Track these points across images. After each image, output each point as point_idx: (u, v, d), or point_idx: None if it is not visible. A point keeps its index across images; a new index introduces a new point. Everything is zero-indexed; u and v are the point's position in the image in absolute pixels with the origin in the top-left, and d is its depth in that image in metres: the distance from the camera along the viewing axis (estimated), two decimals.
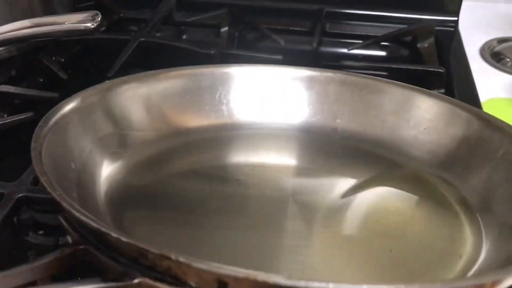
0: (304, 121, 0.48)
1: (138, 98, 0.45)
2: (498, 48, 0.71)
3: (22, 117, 0.50)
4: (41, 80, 0.61)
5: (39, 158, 0.33)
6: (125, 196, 0.39)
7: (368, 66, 0.58)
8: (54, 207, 0.43)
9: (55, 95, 0.53)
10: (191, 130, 0.47)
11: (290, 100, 0.49)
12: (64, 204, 0.29)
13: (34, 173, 0.44)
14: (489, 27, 0.76)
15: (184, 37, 0.73)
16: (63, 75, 0.57)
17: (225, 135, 0.48)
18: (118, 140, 0.43)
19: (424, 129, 0.45)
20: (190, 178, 0.43)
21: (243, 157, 0.47)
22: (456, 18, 0.71)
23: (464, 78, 0.62)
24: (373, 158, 0.45)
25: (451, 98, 0.47)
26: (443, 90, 0.58)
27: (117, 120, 0.44)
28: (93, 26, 0.39)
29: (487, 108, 0.54)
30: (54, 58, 0.63)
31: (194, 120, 0.48)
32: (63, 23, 0.40)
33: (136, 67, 0.63)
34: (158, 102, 0.46)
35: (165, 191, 0.41)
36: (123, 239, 0.26)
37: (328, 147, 0.47)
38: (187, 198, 0.40)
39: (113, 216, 0.37)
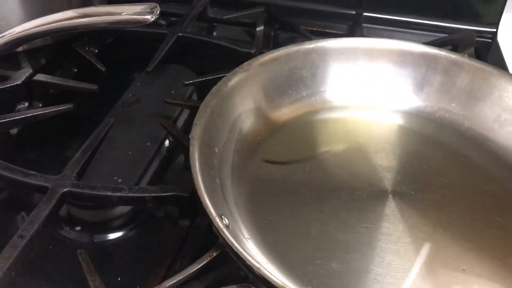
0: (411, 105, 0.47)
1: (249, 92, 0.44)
2: None
3: (62, 108, 0.49)
4: (75, 70, 0.60)
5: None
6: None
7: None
8: (95, 203, 0.43)
9: (94, 87, 0.52)
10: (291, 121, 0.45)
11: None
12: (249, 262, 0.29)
13: (77, 167, 0.42)
14: None
15: (214, 34, 0.72)
16: (101, 67, 0.55)
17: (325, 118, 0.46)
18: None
19: None
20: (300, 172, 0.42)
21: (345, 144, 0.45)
22: (495, 30, 0.70)
23: None
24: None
25: None
26: None
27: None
28: (152, 19, 0.38)
29: None
30: (88, 49, 0.62)
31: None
32: (120, 13, 0.38)
33: (173, 63, 0.62)
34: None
35: (286, 197, 0.40)
36: None
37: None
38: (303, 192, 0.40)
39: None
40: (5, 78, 0.51)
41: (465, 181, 0.42)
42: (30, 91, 0.52)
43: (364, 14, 0.69)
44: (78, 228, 0.45)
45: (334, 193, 0.40)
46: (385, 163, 0.42)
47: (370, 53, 0.46)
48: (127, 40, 0.66)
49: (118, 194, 0.40)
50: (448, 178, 0.42)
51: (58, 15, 0.42)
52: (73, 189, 0.40)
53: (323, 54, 0.46)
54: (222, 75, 0.55)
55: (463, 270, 0.34)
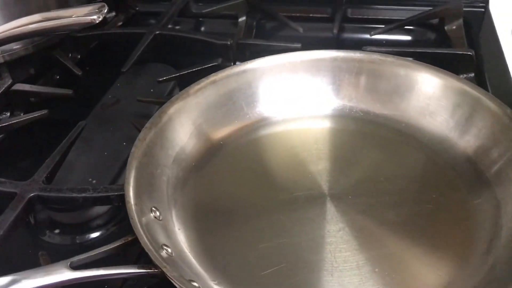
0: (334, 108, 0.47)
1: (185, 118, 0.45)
2: None
3: (36, 115, 0.50)
4: (57, 77, 0.61)
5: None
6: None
7: (392, 51, 0.54)
8: (67, 205, 0.43)
9: (69, 92, 0.53)
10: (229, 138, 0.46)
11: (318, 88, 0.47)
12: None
13: (46, 171, 0.43)
14: None
15: (202, 29, 0.72)
16: (77, 71, 0.56)
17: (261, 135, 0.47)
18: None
19: None
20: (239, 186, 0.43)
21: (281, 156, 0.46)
22: None
23: (496, 62, 0.59)
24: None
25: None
26: (472, 75, 0.55)
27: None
28: (99, 18, 0.38)
29: None
30: (70, 55, 0.63)
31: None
32: (70, 16, 0.39)
33: (153, 61, 0.63)
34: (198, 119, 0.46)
35: (223, 207, 0.41)
36: None
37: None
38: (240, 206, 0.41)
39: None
40: None
41: (402, 176, 0.42)
42: (11, 101, 0.53)
43: None
44: (57, 231, 0.46)
45: (274, 196, 0.41)
46: (321, 168, 0.43)
47: (292, 67, 0.48)
48: (110, 42, 0.67)
49: (83, 195, 0.41)
50: (384, 175, 0.42)
51: (18, 21, 0.43)
52: (40, 193, 0.41)
53: (257, 73, 0.48)
54: (196, 68, 0.56)
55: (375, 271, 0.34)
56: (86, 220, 0.46)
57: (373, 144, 0.45)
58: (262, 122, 0.47)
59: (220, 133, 0.45)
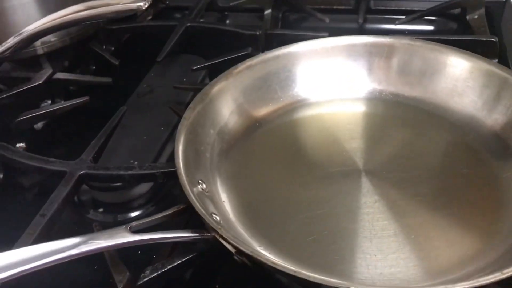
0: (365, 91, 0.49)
1: (227, 98, 0.47)
2: None
3: (78, 101, 0.52)
4: (93, 67, 0.63)
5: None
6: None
7: (418, 39, 0.56)
8: (115, 182, 0.46)
9: (109, 79, 0.55)
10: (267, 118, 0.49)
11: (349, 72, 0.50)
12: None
13: (92, 152, 0.46)
14: None
15: (227, 22, 0.74)
16: (114, 61, 0.58)
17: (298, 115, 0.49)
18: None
19: None
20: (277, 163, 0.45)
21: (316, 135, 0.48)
22: None
23: None
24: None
25: None
26: (496, 60, 0.56)
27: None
28: (145, 5, 0.40)
29: None
30: (104, 47, 0.65)
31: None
32: (117, 4, 0.41)
33: (184, 52, 0.65)
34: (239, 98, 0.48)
35: (264, 180, 0.43)
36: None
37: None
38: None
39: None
40: (28, 79, 0.55)
41: (431, 153, 0.44)
42: (52, 89, 0.56)
43: None
44: (100, 209, 0.48)
45: (311, 171, 0.43)
46: (355, 146, 0.45)
47: (324, 52, 0.51)
48: (143, 35, 0.69)
49: (130, 172, 0.43)
50: (415, 152, 0.44)
51: (64, 10, 0.45)
52: (89, 171, 0.44)
53: (291, 58, 0.50)
54: (228, 57, 0.58)
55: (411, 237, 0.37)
56: (128, 199, 0.48)
57: (403, 125, 0.47)
58: (297, 104, 0.49)
59: (259, 112, 0.48)
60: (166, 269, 0.35)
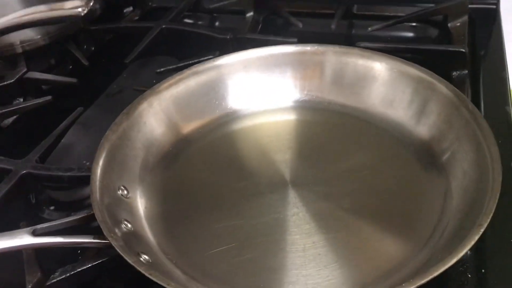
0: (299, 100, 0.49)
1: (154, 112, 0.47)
2: None
3: (41, 101, 0.54)
4: (70, 67, 0.65)
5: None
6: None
7: (385, 47, 0.55)
8: (55, 183, 0.47)
9: (74, 80, 0.57)
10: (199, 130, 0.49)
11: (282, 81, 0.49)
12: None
13: (40, 151, 0.47)
14: None
15: (216, 24, 0.74)
16: (85, 62, 0.60)
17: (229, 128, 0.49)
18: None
19: None
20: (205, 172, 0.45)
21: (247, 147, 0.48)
22: None
23: (496, 61, 0.58)
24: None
25: None
26: (465, 72, 0.54)
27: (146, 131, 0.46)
28: (84, 11, 0.41)
29: None
30: (85, 47, 0.67)
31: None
32: (59, 9, 0.42)
33: (161, 54, 0.66)
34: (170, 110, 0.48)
35: (188, 190, 0.43)
36: None
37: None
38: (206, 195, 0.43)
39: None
40: (1, 78, 0.57)
41: (363, 165, 0.43)
42: (24, 88, 0.58)
43: None
44: (52, 207, 0.50)
45: (236, 186, 0.42)
46: (285, 157, 0.45)
47: (256, 62, 0.50)
48: (124, 36, 0.70)
49: (69, 174, 0.44)
50: (346, 164, 0.43)
51: (17, 13, 0.46)
52: (31, 171, 0.45)
53: (223, 69, 0.50)
54: (194, 61, 0.58)
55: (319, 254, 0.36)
56: (79, 198, 0.50)
57: (336, 134, 0.46)
58: (228, 117, 0.49)
59: (189, 126, 0.48)
60: (76, 271, 0.36)
